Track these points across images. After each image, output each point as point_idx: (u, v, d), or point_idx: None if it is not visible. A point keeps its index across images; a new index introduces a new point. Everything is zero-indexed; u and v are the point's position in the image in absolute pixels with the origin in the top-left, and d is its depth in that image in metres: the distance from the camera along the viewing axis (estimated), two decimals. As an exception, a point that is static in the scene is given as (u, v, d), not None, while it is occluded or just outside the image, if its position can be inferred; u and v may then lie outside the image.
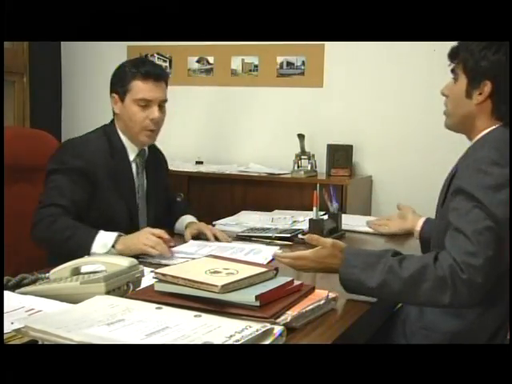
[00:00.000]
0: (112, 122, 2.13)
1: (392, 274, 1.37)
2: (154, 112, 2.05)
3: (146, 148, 2.16)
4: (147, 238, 1.78)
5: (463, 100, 1.56)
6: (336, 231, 2.15)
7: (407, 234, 2.14)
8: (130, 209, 2.07)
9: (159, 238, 1.78)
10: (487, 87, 1.52)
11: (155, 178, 2.19)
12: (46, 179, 1.97)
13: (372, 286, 1.38)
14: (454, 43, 1.59)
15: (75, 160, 1.95)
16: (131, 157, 2.09)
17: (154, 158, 2.20)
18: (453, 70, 1.61)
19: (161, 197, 2.22)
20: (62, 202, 1.89)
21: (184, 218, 2.22)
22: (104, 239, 1.81)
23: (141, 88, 2.03)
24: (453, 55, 1.60)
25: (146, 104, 2.03)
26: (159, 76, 2.07)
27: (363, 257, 1.44)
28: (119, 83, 2.05)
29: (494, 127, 1.54)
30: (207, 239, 2.04)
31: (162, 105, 2.08)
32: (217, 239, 2.04)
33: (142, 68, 2.05)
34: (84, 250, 1.77)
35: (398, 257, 1.41)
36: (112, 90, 2.08)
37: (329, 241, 1.49)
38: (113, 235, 1.81)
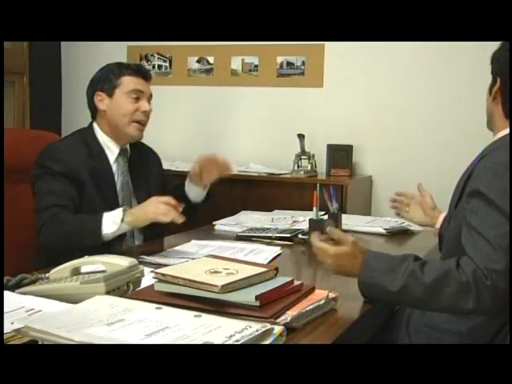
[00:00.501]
0: (90, 125, 2.14)
1: (414, 279, 1.34)
2: (145, 105, 2.09)
3: (128, 147, 2.16)
4: (156, 206, 1.80)
5: (487, 97, 1.59)
6: (336, 227, 2.14)
7: (408, 234, 2.14)
8: (112, 208, 2.02)
9: (168, 204, 1.79)
10: (498, 83, 1.53)
11: (142, 173, 2.19)
12: (34, 185, 1.99)
13: (393, 291, 1.35)
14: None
15: (56, 165, 1.96)
16: (112, 158, 2.10)
17: (139, 155, 2.21)
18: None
19: (153, 190, 2.16)
20: (59, 201, 1.91)
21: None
22: (111, 217, 1.83)
23: (131, 82, 2.08)
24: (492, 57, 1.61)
25: (137, 96, 2.07)
26: (148, 75, 2.14)
27: (384, 260, 1.42)
28: (106, 81, 2.08)
29: (508, 130, 1.53)
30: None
31: (149, 100, 2.13)
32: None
33: (130, 65, 2.11)
34: (96, 235, 1.80)
35: (419, 261, 1.38)
36: (96, 89, 2.10)
37: (350, 238, 1.45)
38: (118, 211, 1.84)
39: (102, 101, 2.09)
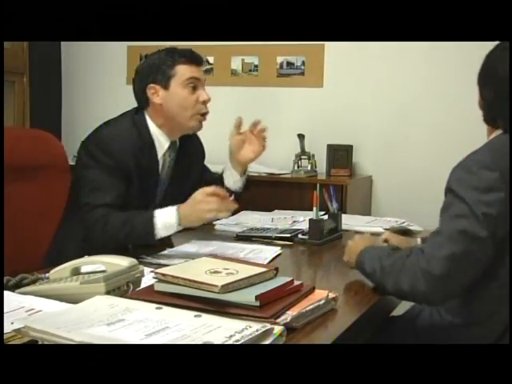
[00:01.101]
0: (141, 113, 2.02)
1: (378, 262, 1.50)
2: (204, 94, 2.00)
3: (177, 140, 2.07)
4: (207, 202, 1.74)
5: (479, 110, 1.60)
6: (336, 231, 2.15)
7: (408, 234, 2.13)
8: (147, 204, 1.98)
9: (217, 196, 1.75)
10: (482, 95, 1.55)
11: (186, 167, 2.12)
12: (79, 171, 1.93)
13: (366, 271, 1.53)
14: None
15: (107, 158, 1.88)
16: (160, 152, 2.01)
17: (187, 147, 2.11)
18: None
19: (193, 182, 2.10)
20: (107, 199, 1.85)
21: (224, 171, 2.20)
22: (166, 221, 1.79)
23: (187, 70, 1.97)
24: None
25: (194, 85, 1.97)
26: (201, 60, 2.03)
27: (374, 249, 1.59)
28: (158, 71, 1.96)
29: (494, 135, 1.54)
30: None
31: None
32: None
33: (183, 52, 2.00)
34: (148, 239, 1.79)
35: (394, 250, 1.54)
36: (148, 82, 1.97)
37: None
38: (172, 214, 1.78)
39: (156, 93, 1.96)
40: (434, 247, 1.40)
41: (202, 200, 1.75)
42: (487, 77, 1.52)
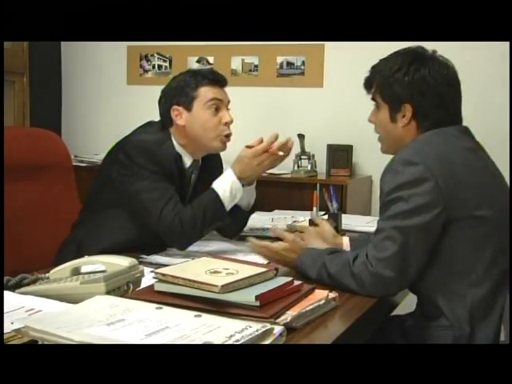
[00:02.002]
0: (165, 128, 2.02)
1: (324, 269, 1.53)
2: (226, 115, 2.00)
3: (200, 159, 2.09)
4: (259, 161, 1.85)
5: (389, 125, 1.62)
6: (336, 231, 2.14)
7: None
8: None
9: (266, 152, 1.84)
10: (408, 110, 1.57)
11: (208, 184, 2.07)
12: (128, 182, 1.89)
13: (312, 278, 1.53)
14: (368, 73, 1.65)
15: (152, 165, 1.88)
16: (187, 165, 2.03)
17: (209, 167, 2.12)
18: (373, 98, 1.65)
19: None
20: (166, 196, 1.86)
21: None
22: (230, 190, 1.86)
23: (210, 91, 1.97)
24: (368, 84, 1.66)
25: (217, 107, 1.97)
26: (225, 81, 2.03)
27: (312, 254, 1.61)
28: (182, 93, 1.97)
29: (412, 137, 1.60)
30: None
31: (229, 109, 2.04)
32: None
33: (206, 74, 2.00)
34: (222, 214, 1.86)
35: (333, 254, 1.58)
36: (172, 103, 1.98)
37: (290, 236, 1.68)
38: (233, 180, 1.86)
39: (180, 115, 1.96)
40: (375, 249, 1.47)
41: (253, 158, 1.86)
42: (423, 88, 1.55)
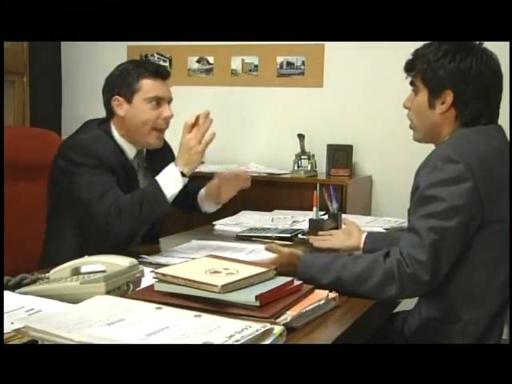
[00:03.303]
0: (107, 122, 2.05)
1: (345, 271, 1.46)
2: (167, 110, 2.00)
3: (144, 149, 2.10)
4: (191, 141, 1.84)
5: (427, 111, 1.58)
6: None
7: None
8: None
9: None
10: (449, 96, 1.54)
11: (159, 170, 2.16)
12: (63, 179, 1.92)
13: (325, 284, 1.45)
14: (409, 55, 1.61)
15: (90, 160, 1.89)
16: (130, 157, 2.04)
17: (156, 154, 2.12)
18: (412, 83, 1.62)
19: None
20: (108, 187, 1.85)
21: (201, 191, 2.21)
22: (170, 178, 1.83)
23: (152, 86, 1.97)
24: (409, 67, 1.61)
25: (157, 102, 1.98)
26: (167, 74, 2.04)
27: (321, 258, 1.55)
28: (124, 84, 1.98)
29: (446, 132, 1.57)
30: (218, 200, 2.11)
31: (170, 103, 2.04)
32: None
33: (148, 66, 2.00)
34: (161, 203, 1.81)
35: (353, 256, 1.52)
36: (113, 93, 2.00)
37: (286, 250, 1.60)
38: (171, 168, 1.85)
39: (120, 106, 1.99)
40: (412, 249, 1.42)
41: (189, 143, 1.85)
42: (468, 77, 1.52)
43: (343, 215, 2.17)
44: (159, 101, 1.99)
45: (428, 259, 1.40)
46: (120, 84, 1.99)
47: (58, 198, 1.98)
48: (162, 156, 2.12)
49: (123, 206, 1.82)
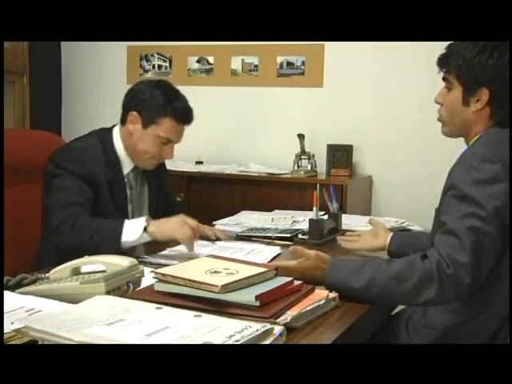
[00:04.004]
0: (110, 130, 2.08)
1: (380, 272, 1.40)
2: (170, 152, 2.04)
3: None
4: (182, 225, 1.78)
5: (460, 108, 1.55)
6: (336, 231, 2.14)
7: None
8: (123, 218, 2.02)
9: (192, 228, 1.79)
10: (485, 94, 1.50)
11: (155, 185, 2.18)
12: (47, 183, 1.94)
13: (357, 287, 1.40)
14: (443, 50, 1.57)
15: (76, 167, 1.91)
16: (126, 170, 2.06)
17: (152, 172, 2.15)
18: (445, 78, 1.58)
19: (160, 203, 2.22)
20: (75, 199, 1.86)
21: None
22: (133, 225, 1.79)
23: (170, 128, 1.99)
24: (443, 63, 1.57)
25: (166, 141, 2.01)
26: (191, 121, 2.05)
27: (351, 262, 1.49)
28: (149, 110, 1.98)
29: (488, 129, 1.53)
30: (208, 239, 2.04)
31: (177, 142, 2.07)
32: (217, 239, 2.04)
33: (179, 108, 2.00)
34: (113, 241, 1.76)
35: (386, 259, 1.47)
36: (136, 108, 2.00)
37: (312, 252, 1.52)
38: (141, 219, 1.81)
39: (134, 124, 2.00)
40: (452, 250, 1.36)
41: (180, 221, 1.80)
42: (506, 74, 1.47)
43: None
44: (169, 141, 2.02)
45: (469, 261, 1.34)
46: (146, 107, 1.99)
47: (44, 201, 2.00)
48: (157, 172, 2.17)
49: (78, 224, 1.81)
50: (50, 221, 1.87)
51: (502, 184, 1.39)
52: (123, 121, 2.05)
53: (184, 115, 2.02)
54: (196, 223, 1.82)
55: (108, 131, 2.08)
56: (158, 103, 1.98)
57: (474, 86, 1.51)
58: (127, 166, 2.06)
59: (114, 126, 2.10)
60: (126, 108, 2.04)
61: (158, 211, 2.16)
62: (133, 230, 1.78)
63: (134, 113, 2.00)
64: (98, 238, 1.77)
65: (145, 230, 1.78)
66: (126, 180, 2.07)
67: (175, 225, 1.79)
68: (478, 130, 1.54)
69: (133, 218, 2.06)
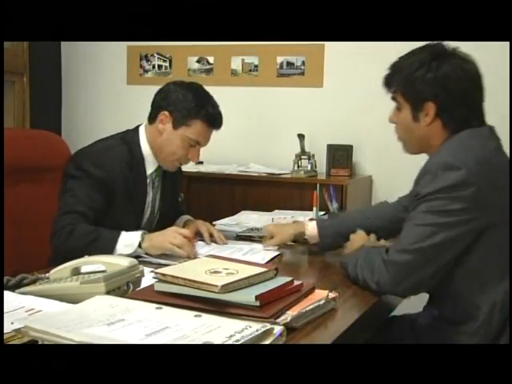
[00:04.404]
0: (136, 129, 2.07)
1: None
2: (196, 155, 2.04)
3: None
4: (174, 237, 1.79)
5: (412, 125, 1.58)
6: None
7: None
8: (137, 222, 2.04)
9: (185, 237, 1.79)
10: (431, 108, 1.53)
11: (170, 190, 2.17)
12: (64, 184, 1.94)
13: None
14: (387, 70, 1.61)
15: (95, 169, 1.91)
16: (149, 170, 2.05)
17: (170, 174, 2.15)
18: (393, 98, 1.62)
19: (172, 208, 2.21)
20: (79, 208, 1.86)
21: (182, 217, 2.22)
22: (128, 239, 1.79)
23: (200, 131, 1.99)
24: (388, 83, 1.63)
25: (195, 144, 2.01)
26: (220, 126, 2.05)
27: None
28: (181, 111, 1.98)
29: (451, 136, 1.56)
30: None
31: (204, 145, 2.07)
32: (213, 240, 2.03)
33: (211, 112, 2.00)
34: (107, 253, 1.72)
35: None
36: (167, 108, 1.99)
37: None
38: (137, 234, 1.80)
39: (164, 124, 2.00)
40: (400, 244, 1.48)
41: (171, 233, 1.81)
42: (447, 85, 1.51)
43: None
44: (196, 144, 2.02)
45: (407, 245, 1.46)
46: (178, 108, 1.99)
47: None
48: (174, 176, 2.17)
49: (75, 233, 1.81)
50: (52, 224, 1.86)
51: (470, 188, 1.42)
52: (152, 119, 2.04)
53: (215, 120, 2.03)
54: (188, 231, 1.84)
55: (133, 131, 2.07)
56: (191, 105, 1.98)
57: (419, 101, 1.54)
58: (151, 166, 2.05)
59: (139, 125, 2.08)
60: (157, 107, 2.02)
61: (168, 218, 2.16)
62: (126, 245, 1.79)
63: (166, 112, 1.99)
64: (91, 250, 1.72)
65: (139, 245, 1.78)
66: (148, 181, 2.05)
67: (167, 238, 1.79)
68: (436, 142, 1.56)
69: (149, 218, 2.09)
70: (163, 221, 2.12)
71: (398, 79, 1.58)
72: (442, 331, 1.53)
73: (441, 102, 1.52)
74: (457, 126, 1.53)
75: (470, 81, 1.52)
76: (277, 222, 2.10)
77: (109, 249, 1.76)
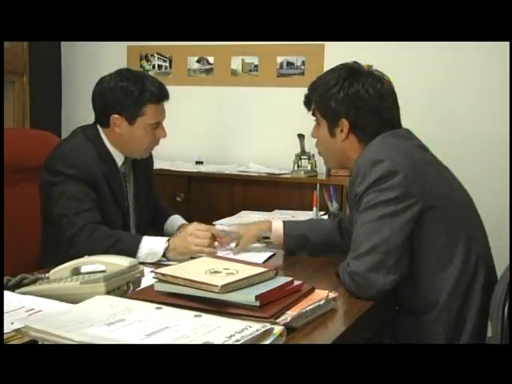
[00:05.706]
0: (93, 126, 2.04)
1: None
2: (162, 132, 2.03)
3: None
4: (197, 236, 1.78)
5: (329, 140, 1.67)
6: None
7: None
8: (123, 213, 2.04)
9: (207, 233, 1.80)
10: (345, 124, 1.62)
11: (144, 180, 2.17)
12: (47, 193, 1.93)
13: None
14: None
15: (72, 170, 1.89)
16: (119, 163, 2.05)
17: (141, 160, 2.14)
18: (313, 114, 1.71)
19: (150, 198, 2.21)
20: (85, 206, 1.85)
21: (173, 218, 2.21)
22: (152, 247, 1.77)
23: (155, 112, 1.98)
24: (306, 101, 1.74)
25: (156, 126, 2.01)
26: (168, 95, 2.03)
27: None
28: (127, 106, 1.95)
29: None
30: None
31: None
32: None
33: (152, 89, 1.97)
34: (129, 256, 1.69)
35: None
36: (114, 110, 1.96)
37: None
38: (161, 241, 1.77)
39: (120, 126, 1.98)
40: (355, 256, 1.50)
41: (192, 235, 1.79)
42: (358, 102, 1.60)
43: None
44: (158, 124, 2.02)
45: (364, 253, 1.49)
46: (122, 104, 1.96)
47: (47, 209, 1.98)
48: (145, 165, 2.17)
49: (95, 235, 1.80)
50: (63, 230, 1.84)
51: (398, 176, 1.48)
52: (105, 124, 2.01)
53: (161, 94, 2.01)
54: (205, 226, 1.84)
55: (92, 128, 2.04)
56: (133, 96, 1.95)
57: (334, 118, 1.64)
58: (119, 160, 2.05)
59: (95, 122, 2.06)
60: (103, 112, 2.00)
61: (148, 208, 2.17)
62: (151, 253, 1.76)
63: (116, 116, 1.97)
64: (114, 251, 1.69)
65: (163, 255, 1.77)
66: (121, 172, 2.06)
67: (190, 241, 1.78)
68: (354, 156, 1.63)
69: (133, 211, 2.09)
70: (142, 208, 2.13)
71: (314, 97, 1.69)
72: (408, 324, 1.56)
73: (353, 119, 1.61)
74: (369, 139, 1.61)
75: (380, 99, 1.62)
76: (244, 222, 2.09)
77: (131, 253, 1.70)
